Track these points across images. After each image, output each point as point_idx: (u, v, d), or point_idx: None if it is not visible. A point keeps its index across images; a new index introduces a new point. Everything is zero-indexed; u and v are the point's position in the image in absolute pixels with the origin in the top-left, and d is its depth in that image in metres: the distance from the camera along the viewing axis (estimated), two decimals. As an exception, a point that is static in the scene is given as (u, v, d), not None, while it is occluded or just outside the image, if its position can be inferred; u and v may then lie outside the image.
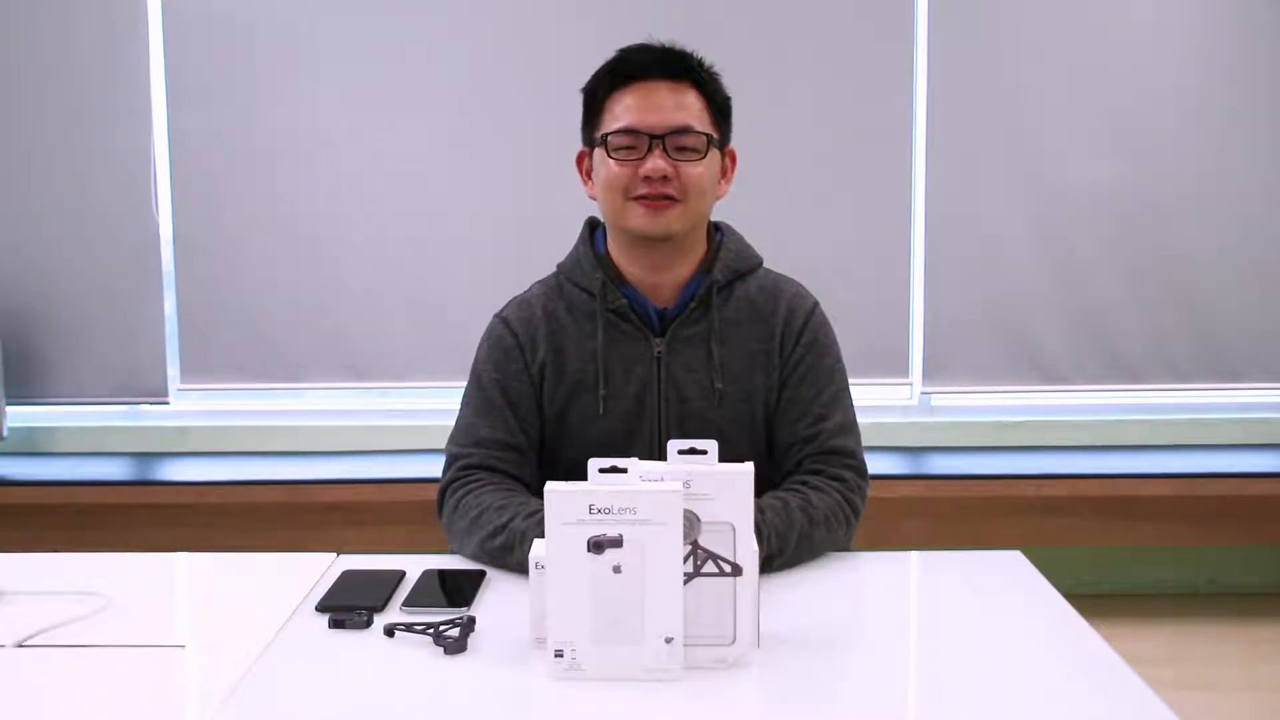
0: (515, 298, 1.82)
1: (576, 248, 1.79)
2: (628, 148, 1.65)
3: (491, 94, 3.53)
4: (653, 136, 1.64)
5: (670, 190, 1.65)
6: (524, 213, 3.52)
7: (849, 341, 1.89)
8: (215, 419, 3.71)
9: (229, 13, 3.53)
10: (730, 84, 1.75)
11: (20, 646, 1.34)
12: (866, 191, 3.57)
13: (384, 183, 3.57)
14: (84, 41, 3.53)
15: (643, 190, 1.65)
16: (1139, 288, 3.58)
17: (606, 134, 1.66)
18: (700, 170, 1.66)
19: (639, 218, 1.67)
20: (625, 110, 1.66)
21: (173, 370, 3.65)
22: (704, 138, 1.66)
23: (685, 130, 1.65)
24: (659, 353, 1.72)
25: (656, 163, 1.64)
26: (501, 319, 1.79)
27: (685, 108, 1.66)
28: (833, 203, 3.55)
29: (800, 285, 1.81)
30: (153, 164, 3.59)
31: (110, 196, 3.58)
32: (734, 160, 1.76)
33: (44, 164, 3.58)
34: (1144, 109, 3.54)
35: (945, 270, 3.60)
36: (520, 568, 1.51)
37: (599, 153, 1.69)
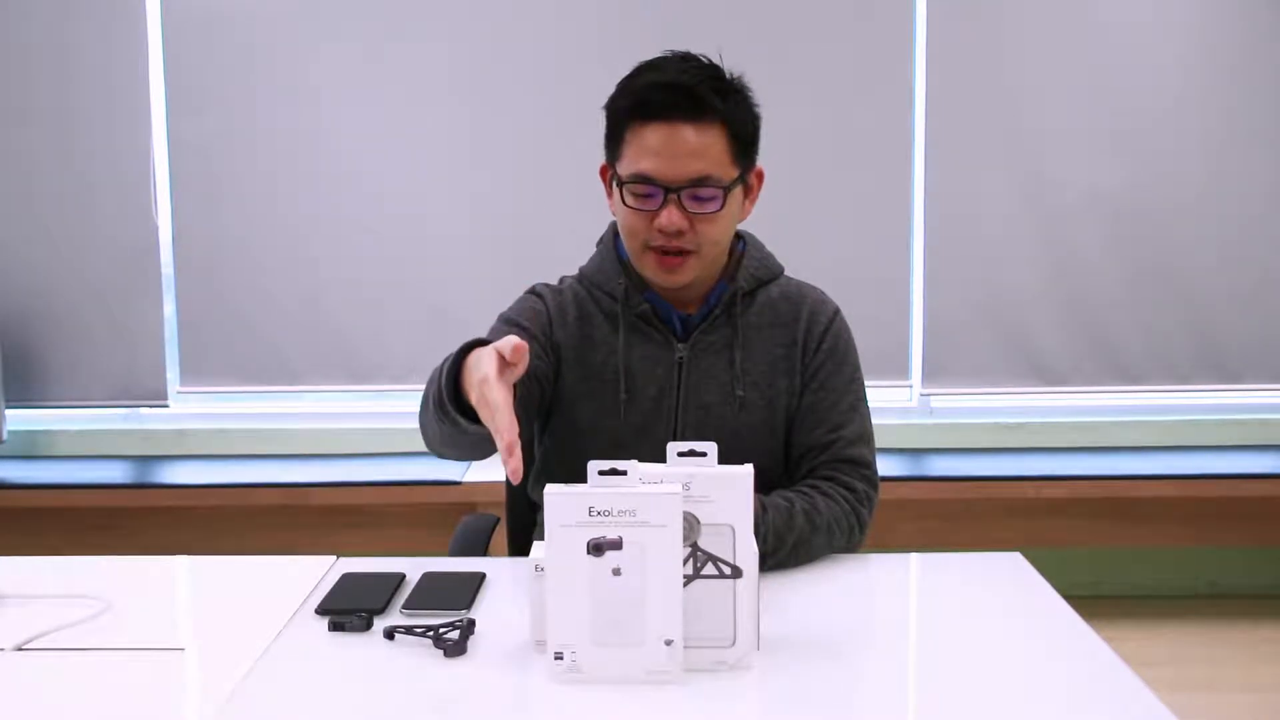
0: (546, 282, 1.80)
1: (600, 251, 1.78)
2: (644, 195, 1.62)
3: (492, 95, 3.53)
4: (668, 189, 1.60)
5: (685, 244, 1.62)
6: (524, 214, 3.53)
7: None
8: (214, 422, 3.71)
9: (229, 13, 3.53)
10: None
11: (20, 650, 1.34)
12: (866, 191, 3.57)
13: (384, 184, 3.57)
14: (84, 42, 3.54)
15: (658, 242, 1.63)
16: (1138, 288, 3.58)
17: (623, 180, 1.63)
18: (716, 226, 1.63)
19: (653, 270, 1.66)
20: (644, 153, 1.60)
21: (172, 373, 3.65)
22: (721, 190, 1.61)
23: (703, 181, 1.60)
24: (680, 358, 1.71)
25: (672, 217, 1.60)
26: (534, 291, 1.77)
27: (705, 153, 1.59)
28: (832, 203, 3.55)
29: (822, 292, 1.80)
30: (152, 165, 3.59)
31: (110, 198, 3.58)
32: (760, 179, 1.71)
33: (44, 165, 3.58)
34: (1144, 109, 3.54)
35: (945, 271, 3.60)
36: (441, 402, 1.46)
37: (616, 190, 1.66)
